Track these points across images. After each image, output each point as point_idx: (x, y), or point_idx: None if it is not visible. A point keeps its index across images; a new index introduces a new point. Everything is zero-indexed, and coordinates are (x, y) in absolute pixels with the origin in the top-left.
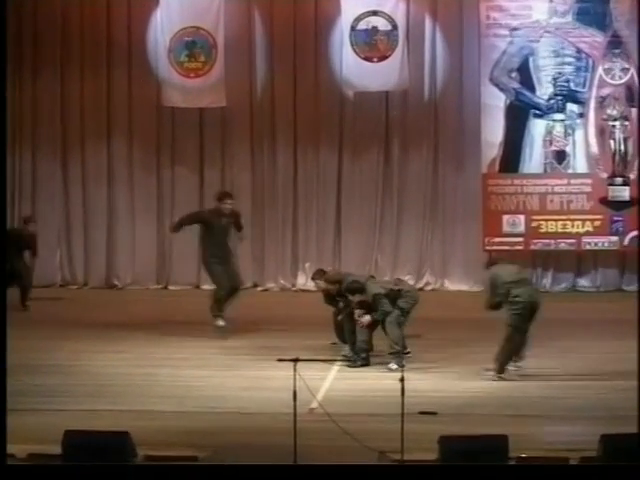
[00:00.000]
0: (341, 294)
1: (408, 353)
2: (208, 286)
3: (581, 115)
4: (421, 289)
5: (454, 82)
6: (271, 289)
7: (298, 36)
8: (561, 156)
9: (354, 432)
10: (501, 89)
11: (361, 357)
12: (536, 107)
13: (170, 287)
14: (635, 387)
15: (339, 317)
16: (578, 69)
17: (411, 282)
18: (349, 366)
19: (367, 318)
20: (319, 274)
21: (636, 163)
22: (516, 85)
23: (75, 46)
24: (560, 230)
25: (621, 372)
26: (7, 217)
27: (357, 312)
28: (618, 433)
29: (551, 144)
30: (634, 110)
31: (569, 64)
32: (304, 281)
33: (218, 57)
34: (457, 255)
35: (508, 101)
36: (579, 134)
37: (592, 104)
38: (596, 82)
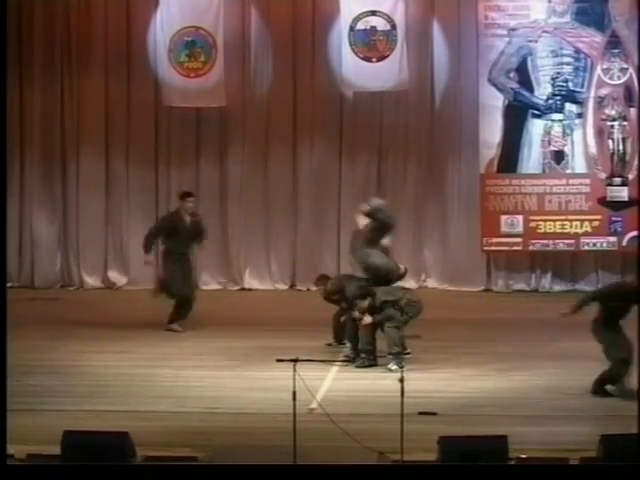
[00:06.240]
0: (345, 299)
1: (408, 354)
2: (206, 287)
3: (580, 115)
4: (419, 289)
5: (452, 82)
6: (270, 289)
7: (297, 36)
8: (559, 156)
9: (354, 432)
10: (499, 89)
11: (367, 358)
12: (534, 107)
13: None
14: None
15: (342, 318)
16: (577, 69)
17: (409, 282)
18: (356, 366)
19: (368, 318)
20: (322, 280)
21: (635, 163)
22: (514, 85)
23: (74, 46)
24: (558, 230)
25: None
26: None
27: (357, 313)
28: (618, 433)
29: (549, 144)
30: (633, 110)
31: (567, 64)
32: (303, 282)
33: (218, 57)
34: (455, 255)
35: (506, 101)
36: (577, 134)
37: (591, 104)
38: (595, 82)
